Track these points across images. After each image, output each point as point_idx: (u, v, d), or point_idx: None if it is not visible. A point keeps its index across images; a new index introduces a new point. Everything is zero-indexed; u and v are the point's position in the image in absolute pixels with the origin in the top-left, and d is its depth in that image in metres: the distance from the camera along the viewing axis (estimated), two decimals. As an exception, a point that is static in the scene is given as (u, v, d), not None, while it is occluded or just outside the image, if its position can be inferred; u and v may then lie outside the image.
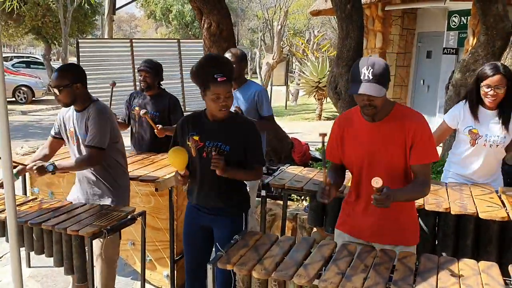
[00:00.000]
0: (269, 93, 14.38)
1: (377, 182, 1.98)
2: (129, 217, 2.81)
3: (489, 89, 3.00)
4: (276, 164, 4.75)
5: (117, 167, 3.11)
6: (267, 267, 2.08)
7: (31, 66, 20.88)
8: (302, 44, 15.72)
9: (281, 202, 4.23)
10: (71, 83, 2.92)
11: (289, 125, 11.44)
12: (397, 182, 2.32)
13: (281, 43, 17.53)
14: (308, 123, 12.48)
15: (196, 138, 2.61)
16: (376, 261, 2.15)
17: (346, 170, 2.60)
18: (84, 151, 3.01)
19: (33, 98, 17.14)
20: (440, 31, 8.93)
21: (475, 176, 3.23)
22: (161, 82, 4.29)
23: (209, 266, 2.17)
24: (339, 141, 2.44)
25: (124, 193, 3.16)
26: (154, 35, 42.10)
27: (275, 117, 4.04)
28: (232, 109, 3.67)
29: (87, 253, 2.56)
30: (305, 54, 14.67)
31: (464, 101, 3.22)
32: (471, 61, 4.84)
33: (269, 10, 30.05)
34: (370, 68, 2.14)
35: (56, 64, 22.82)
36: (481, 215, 2.66)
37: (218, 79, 2.48)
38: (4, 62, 14.52)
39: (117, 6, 8.92)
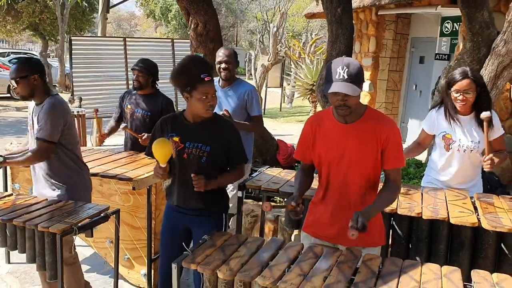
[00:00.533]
0: (263, 95, 14.44)
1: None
2: (102, 215, 2.81)
3: (458, 93, 3.03)
4: (260, 166, 4.77)
5: (71, 165, 3.12)
6: (232, 268, 2.09)
7: (28, 62, 20.79)
8: (298, 46, 15.74)
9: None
10: (28, 75, 2.95)
11: (282, 127, 11.45)
12: (364, 183, 2.38)
13: (280, 45, 17.51)
14: (301, 125, 12.44)
15: (176, 139, 2.62)
16: (341, 259, 2.17)
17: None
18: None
19: (28, 95, 17.09)
20: (433, 37, 8.94)
21: (451, 182, 3.24)
22: (156, 82, 4.27)
23: (173, 265, 2.18)
24: (310, 141, 2.46)
25: (76, 191, 3.14)
26: (153, 34, 42.10)
27: (270, 119, 4.10)
28: (219, 112, 3.70)
29: (58, 250, 2.56)
30: (301, 56, 14.69)
31: (437, 107, 3.24)
32: (456, 67, 4.84)
33: (268, 12, 30.10)
34: (345, 68, 2.19)
35: (54, 61, 22.82)
36: (452, 220, 2.67)
37: (205, 79, 2.50)
38: (1, 58, 14.50)
39: (112, 4, 8.93)
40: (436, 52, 8.71)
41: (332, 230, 2.44)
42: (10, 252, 4.08)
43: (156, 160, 2.55)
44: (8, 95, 16.62)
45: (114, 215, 2.92)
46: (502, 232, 2.58)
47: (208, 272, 2.08)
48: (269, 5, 30.64)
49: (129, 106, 4.17)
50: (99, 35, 8.87)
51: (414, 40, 9.71)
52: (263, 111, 14.62)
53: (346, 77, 2.17)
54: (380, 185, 2.48)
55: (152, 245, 3.57)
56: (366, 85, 9.75)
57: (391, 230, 2.91)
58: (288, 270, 2.08)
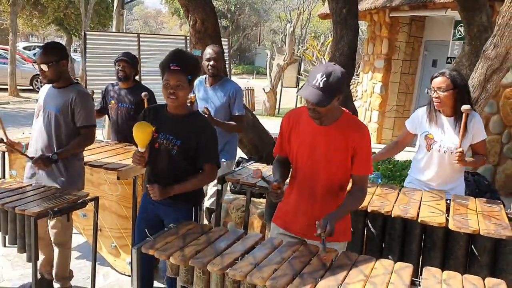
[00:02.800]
0: (279, 94, 14.42)
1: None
2: (80, 201, 2.90)
3: (432, 91, 3.06)
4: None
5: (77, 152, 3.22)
6: (186, 254, 2.15)
7: (52, 56, 21.26)
8: (314, 47, 15.74)
9: (256, 200, 4.31)
10: (59, 60, 3.08)
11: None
12: (332, 182, 2.42)
13: (301, 45, 17.49)
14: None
15: (153, 128, 2.68)
16: (296, 254, 2.21)
17: None
18: (52, 125, 3.15)
19: (50, 87, 17.48)
20: (446, 40, 8.85)
21: (431, 183, 3.25)
22: (136, 76, 4.39)
23: (133, 250, 2.25)
24: (286, 135, 2.49)
25: (75, 177, 3.26)
26: (178, 32, 42.51)
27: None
28: (199, 109, 3.78)
29: (32, 232, 2.66)
30: (317, 57, 14.68)
31: (424, 106, 3.27)
32: (455, 70, 4.83)
33: (292, 12, 30.10)
34: (324, 76, 2.16)
35: (78, 56, 23.23)
36: (420, 220, 2.70)
37: (171, 67, 2.58)
38: (27, 51, 14.93)
39: (127, 0, 9.12)
40: (448, 55, 8.63)
41: (298, 224, 2.49)
42: (6, 236, 4.22)
43: (135, 145, 2.62)
44: (31, 87, 17.03)
45: (93, 202, 3.02)
46: (473, 234, 2.58)
47: (163, 258, 2.15)
48: (293, 5, 30.65)
49: (112, 102, 4.29)
50: (113, 30, 9.07)
51: (427, 43, 9.62)
52: (277, 110, 14.76)
53: (321, 86, 2.15)
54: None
55: (137, 234, 3.66)
56: (377, 87, 9.72)
57: (365, 228, 2.95)
58: (242, 259, 2.13)
